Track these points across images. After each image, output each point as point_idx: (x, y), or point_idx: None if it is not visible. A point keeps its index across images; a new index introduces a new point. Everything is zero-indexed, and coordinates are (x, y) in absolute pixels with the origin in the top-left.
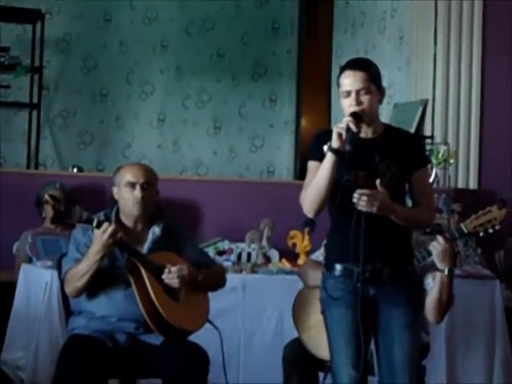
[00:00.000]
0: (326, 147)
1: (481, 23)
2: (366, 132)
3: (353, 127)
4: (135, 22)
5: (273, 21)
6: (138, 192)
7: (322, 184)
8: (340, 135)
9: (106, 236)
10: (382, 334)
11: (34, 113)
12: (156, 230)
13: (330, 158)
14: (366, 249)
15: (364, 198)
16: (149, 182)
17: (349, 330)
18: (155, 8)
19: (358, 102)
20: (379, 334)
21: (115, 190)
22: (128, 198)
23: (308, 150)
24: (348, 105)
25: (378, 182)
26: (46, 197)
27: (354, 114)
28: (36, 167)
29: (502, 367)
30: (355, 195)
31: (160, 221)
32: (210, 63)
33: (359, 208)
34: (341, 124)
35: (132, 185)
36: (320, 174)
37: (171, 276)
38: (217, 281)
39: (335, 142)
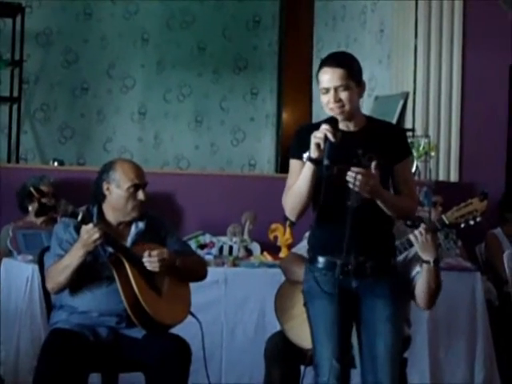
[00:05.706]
0: (305, 156)
1: (461, 16)
2: (347, 125)
3: (330, 137)
4: (116, 16)
5: (254, 14)
6: (142, 195)
7: (302, 191)
8: (318, 145)
9: (86, 236)
10: (365, 326)
11: (15, 107)
12: (140, 224)
13: (309, 167)
14: (349, 241)
15: (359, 176)
16: (146, 183)
17: (331, 323)
18: (136, 2)
19: (337, 99)
20: (362, 326)
21: (107, 187)
22: (129, 200)
23: (290, 148)
24: (326, 101)
25: (373, 164)
26: (31, 190)
27: (330, 120)
28: (17, 161)
29: (483, 358)
30: (350, 173)
31: (144, 215)
32: (190, 57)
33: (353, 187)
34: (318, 133)
35: (136, 187)
36: (300, 181)
37: (152, 260)
38: (197, 269)
39: (314, 152)
